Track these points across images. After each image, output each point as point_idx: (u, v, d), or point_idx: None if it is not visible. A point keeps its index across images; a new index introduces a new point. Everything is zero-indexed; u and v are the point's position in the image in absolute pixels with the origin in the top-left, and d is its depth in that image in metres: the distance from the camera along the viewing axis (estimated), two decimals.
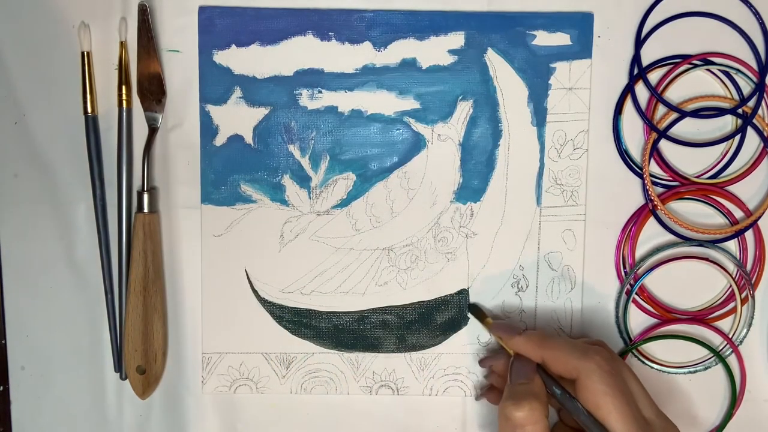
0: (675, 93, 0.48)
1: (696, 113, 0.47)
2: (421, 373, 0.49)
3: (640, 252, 0.49)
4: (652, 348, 0.49)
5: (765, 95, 0.47)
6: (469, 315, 0.48)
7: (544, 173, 0.48)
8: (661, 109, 0.48)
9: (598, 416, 0.39)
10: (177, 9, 0.46)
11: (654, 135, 0.47)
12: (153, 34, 0.46)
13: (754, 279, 0.49)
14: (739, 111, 0.47)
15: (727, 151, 0.48)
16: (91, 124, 0.46)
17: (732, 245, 0.49)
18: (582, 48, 0.47)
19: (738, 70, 0.47)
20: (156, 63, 0.46)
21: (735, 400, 0.49)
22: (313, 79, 0.47)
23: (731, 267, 0.49)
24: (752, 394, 0.49)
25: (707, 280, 0.49)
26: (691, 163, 0.48)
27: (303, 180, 0.47)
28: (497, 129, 0.47)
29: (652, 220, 0.48)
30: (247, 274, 0.48)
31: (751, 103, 0.48)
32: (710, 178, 0.48)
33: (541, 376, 0.42)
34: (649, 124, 0.47)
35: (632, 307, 0.49)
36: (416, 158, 0.48)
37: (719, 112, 0.47)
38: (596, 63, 0.47)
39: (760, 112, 0.48)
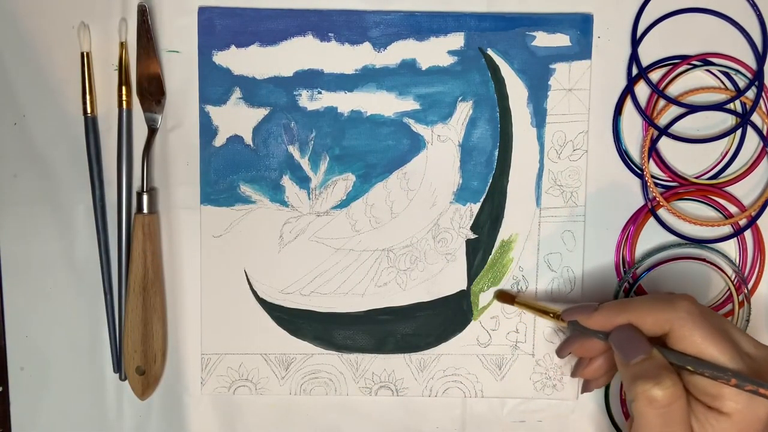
0: (674, 93, 0.48)
1: (696, 108, 0.47)
2: (421, 374, 0.49)
3: (639, 253, 0.49)
4: None
5: (764, 93, 0.47)
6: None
7: (544, 174, 0.48)
8: (661, 109, 0.48)
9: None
10: (177, 10, 0.46)
11: (653, 131, 0.47)
12: (152, 35, 0.46)
13: (752, 281, 0.49)
14: (738, 102, 0.47)
15: (727, 152, 0.48)
16: (91, 125, 0.46)
17: (732, 247, 0.49)
18: (582, 49, 0.47)
19: (737, 71, 0.47)
20: (155, 64, 0.46)
21: None
22: (313, 79, 0.47)
23: (729, 269, 0.49)
24: None
25: (706, 281, 0.49)
26: (690, 164, 0.48)
27: (302, 181, 0.47)
28: (497, 130, 0.47)
29: (651, 221, 0.48)
30: (246, 275, 0.48)
31: (750, 95, 0.48)
32: (709, 178, 0.48)
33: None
34: (649, 120, 0.47)
35: None
36: (416, 159, 0.48)
37: (718, 105, 0.47)
38: (596, 64, 0.47)
39: (758, 110, 0.48)
